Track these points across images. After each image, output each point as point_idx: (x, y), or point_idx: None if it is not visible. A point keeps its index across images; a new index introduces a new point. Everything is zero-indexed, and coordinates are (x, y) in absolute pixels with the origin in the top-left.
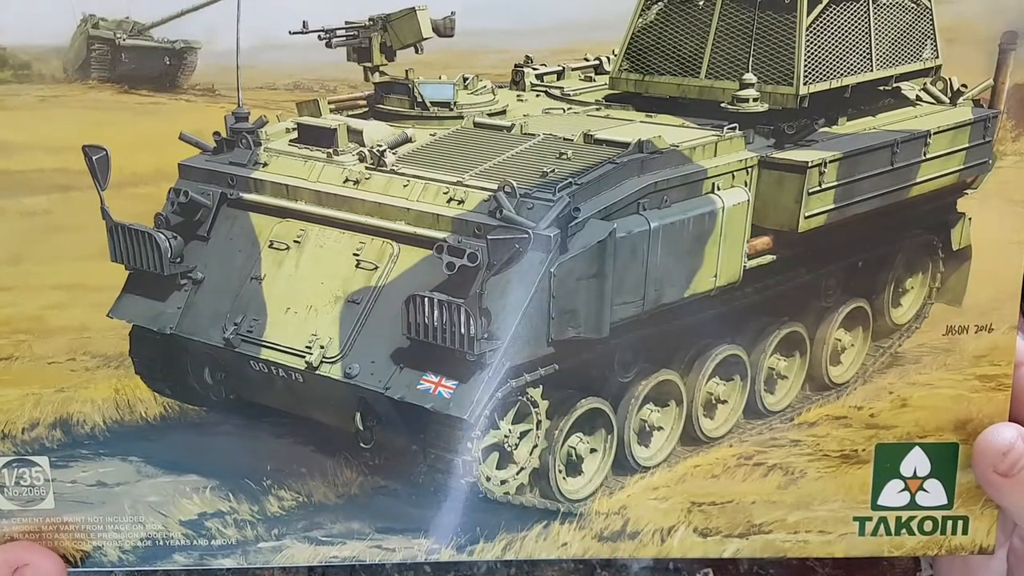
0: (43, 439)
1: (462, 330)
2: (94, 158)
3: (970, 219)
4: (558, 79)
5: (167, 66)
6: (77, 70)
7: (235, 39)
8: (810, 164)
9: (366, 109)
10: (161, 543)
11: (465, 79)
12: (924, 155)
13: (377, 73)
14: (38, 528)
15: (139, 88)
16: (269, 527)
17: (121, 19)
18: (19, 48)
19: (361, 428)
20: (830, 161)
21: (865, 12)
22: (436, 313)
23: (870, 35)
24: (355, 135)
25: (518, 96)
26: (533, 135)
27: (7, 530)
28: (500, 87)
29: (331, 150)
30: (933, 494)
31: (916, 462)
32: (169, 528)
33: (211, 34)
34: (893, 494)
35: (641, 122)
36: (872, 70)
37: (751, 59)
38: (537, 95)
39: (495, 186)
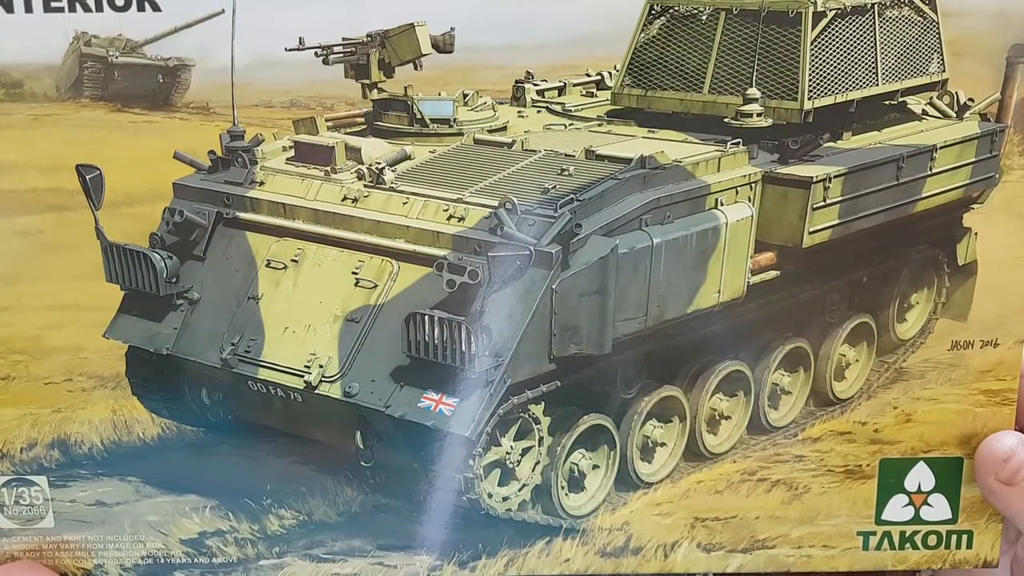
0: (41, 459)
1: (463, 348)
2: (88, 177)
3: (976, 234)
4: (559, 95)
5: (160, 84)
6: (70, 88)
7: (230, 56)
8: (814, 179)
9: (364, 126)
10: (162, 561)
11: (465, 95)
12: (930, 170)
13: (375, 90)
14: (39, 547)
15: (132, 106)
16: (270, 545)
17: (114, 37)
18: (11, 66)
19: (362, 447)
20: (835, 176)
21: (871, 26)
22: (436, 331)
23: (875, 49)
24: (353, 153)
25: (519, 112)
26: (534, 151)
27: (7, 548)
28: (500, 103)
29: (329, 168)
30: (937, 508)
31: (920, 477)
32: (170, 547)
33: (205, 51)
34: (897, 509)
35: (643, 138)
36: (878, 84)
37: (755, 74)
38: (538, 111)
39: (496, 203)
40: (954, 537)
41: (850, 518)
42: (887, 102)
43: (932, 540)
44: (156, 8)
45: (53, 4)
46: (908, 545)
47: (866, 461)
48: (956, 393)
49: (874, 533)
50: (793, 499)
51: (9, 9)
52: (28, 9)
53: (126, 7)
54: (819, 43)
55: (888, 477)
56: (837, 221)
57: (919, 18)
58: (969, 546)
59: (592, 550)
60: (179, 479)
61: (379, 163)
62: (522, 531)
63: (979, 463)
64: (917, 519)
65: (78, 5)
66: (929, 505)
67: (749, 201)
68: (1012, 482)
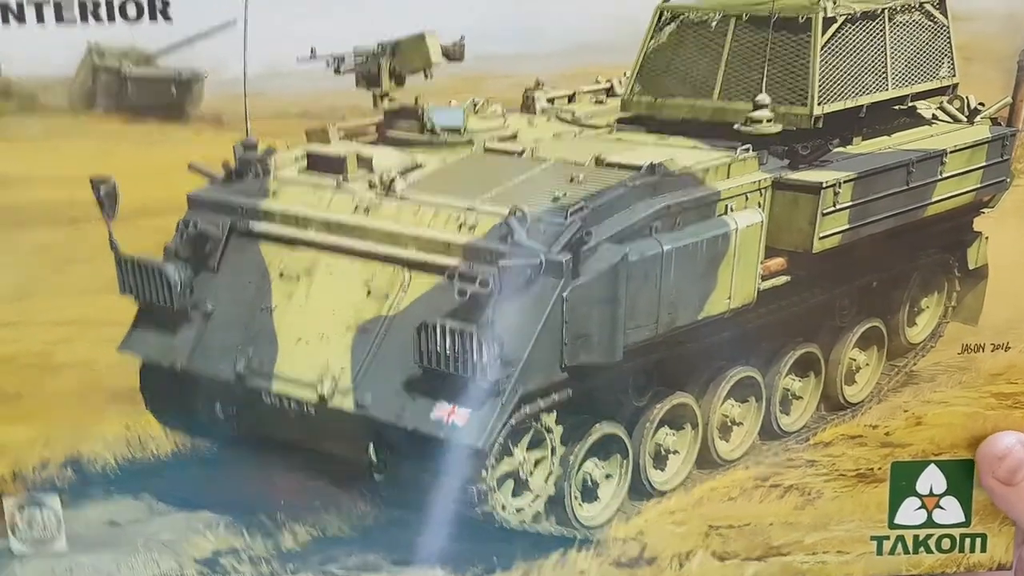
0: (54, 478)
1: (474, 357)
2: (102, 190)
3: (987, 238)
4: (569, 102)
5: (174, 96)
6: (83, 100)
7: (242, 67)
8: (824, 185)
9: (376, 136)
10: None
11: (475, 104)
12: (940, 174)
13: (386, 99)
14: (52, 570)
15: (146, 118)
16: (284, 562)
17: (127, 48)
18: (25, 79)
19: (375, 459)
20: (845, 181)
21: (881, 31)
22: (448, 340)
23: (886, 54)
24: (365, 162)
25: (529, 120)
26: (544, 159)
27: (20, 573)
28: (511, 111)
29: (341, 178)
30: (950, 511)
31: (932, 480)
32: (184, 566)
33: (217, 63)
34: (910, 512)
35: (653, 145)
36: (888, 89)
37: (765, 80)
38: (548, 119)
39: (506, 211)
40: (968, 540)
41: (863, 523)
42: (897, 107)
43: (946, 544)
44: (168, 19)
45: (65, 15)
46: (922, 549)
47: (877, 464)
48: (967, 396)
49: (887, 537)
50: (806, 504)
51: (22, 21)
52: (40, 20)
53: (138, 18)
54: (829, 49)
55: (900, 480)
56: (847, 226)
57: (929, 22)
58: (983, 549)
59: (607, 561)
60: (193, 495)
61: (390, 172)
62: (536, 543)
63: (979, 463)
64: (930, 522)
65: (90, 16)
66: (941, 508)
67: (759, 207)
68: (1011, 482)
